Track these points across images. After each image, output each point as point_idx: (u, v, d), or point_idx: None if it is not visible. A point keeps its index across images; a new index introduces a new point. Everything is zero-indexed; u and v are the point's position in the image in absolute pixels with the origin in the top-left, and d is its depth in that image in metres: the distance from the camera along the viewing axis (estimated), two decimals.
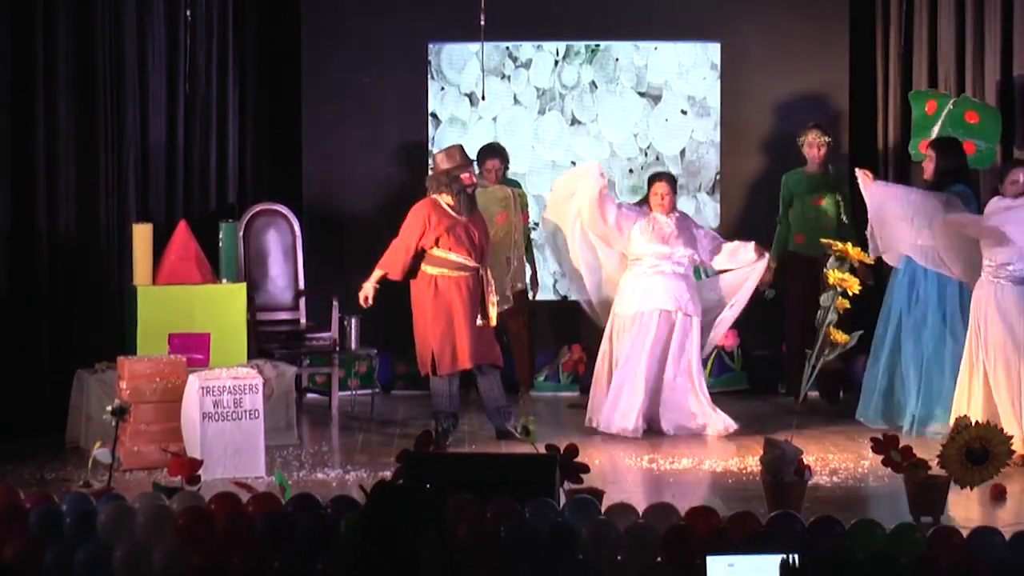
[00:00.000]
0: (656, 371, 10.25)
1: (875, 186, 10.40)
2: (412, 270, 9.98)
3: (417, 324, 10.00)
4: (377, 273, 10.01)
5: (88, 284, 10.39)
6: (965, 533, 6.58)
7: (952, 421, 8.60)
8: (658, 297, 10.29)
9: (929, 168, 10.35)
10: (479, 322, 9.89)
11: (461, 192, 9.93)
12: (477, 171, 11.20)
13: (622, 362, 10.25)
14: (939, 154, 10.33)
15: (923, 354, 10.20)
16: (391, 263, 9.96)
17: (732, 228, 11.81)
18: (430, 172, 10.24)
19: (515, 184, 11.62)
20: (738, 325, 11.11)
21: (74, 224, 10.36)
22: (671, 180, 10.62)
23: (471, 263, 9.92)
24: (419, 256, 9.94)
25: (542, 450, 7.73)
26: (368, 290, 9.98)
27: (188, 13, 11.31)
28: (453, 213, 9.92)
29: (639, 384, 10.19)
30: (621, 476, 8.96)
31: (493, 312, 9.95)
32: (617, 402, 10.22)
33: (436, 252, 9.91)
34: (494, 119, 12.21)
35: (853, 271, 10.57)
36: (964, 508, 7.98)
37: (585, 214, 10.44)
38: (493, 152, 11.48)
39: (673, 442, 9.97)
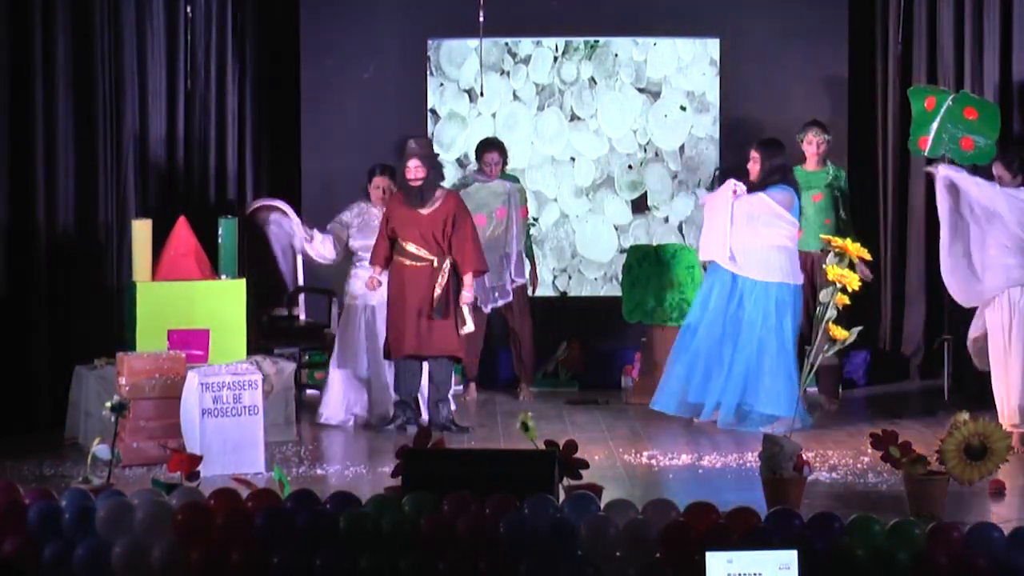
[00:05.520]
0: None
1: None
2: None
3: None
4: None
5: (87, 280, 10.38)
6: (964, 529, 6.59)
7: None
8: None
9: (754, 169, 10.38)
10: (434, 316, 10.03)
11: (404, 184, 10.12)
12: (477, 166, 11.28)
13: None
14: (763, 155, 10.37)
15: (745, 351, 10.20)
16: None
17: None
18: None
19: (514, 179, 11.61)
20: None
21: (73, 220, 10.35)
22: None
23: (425, 255, 10.03)
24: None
25: (541, 446, 7.74)
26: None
27: (188, 9, 11.31)
28: (406, 204, 10.11)
29: None
30: (620, 472, 8.97)
31: (437, 305, 10.02)
32: None
33: (398, 241, 10.12)
34: (493, 115, 12.20)
35: (852, 267, 10.57)
36: (963, 504, 7.98)
37: None
38: (492, 146, 11.47)
39: (673, 439, 9.97)
